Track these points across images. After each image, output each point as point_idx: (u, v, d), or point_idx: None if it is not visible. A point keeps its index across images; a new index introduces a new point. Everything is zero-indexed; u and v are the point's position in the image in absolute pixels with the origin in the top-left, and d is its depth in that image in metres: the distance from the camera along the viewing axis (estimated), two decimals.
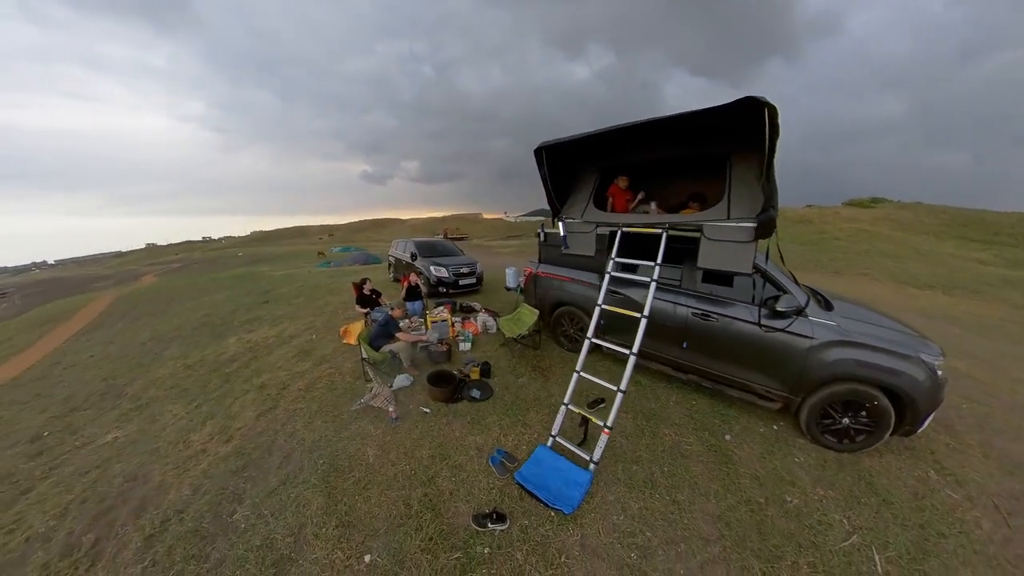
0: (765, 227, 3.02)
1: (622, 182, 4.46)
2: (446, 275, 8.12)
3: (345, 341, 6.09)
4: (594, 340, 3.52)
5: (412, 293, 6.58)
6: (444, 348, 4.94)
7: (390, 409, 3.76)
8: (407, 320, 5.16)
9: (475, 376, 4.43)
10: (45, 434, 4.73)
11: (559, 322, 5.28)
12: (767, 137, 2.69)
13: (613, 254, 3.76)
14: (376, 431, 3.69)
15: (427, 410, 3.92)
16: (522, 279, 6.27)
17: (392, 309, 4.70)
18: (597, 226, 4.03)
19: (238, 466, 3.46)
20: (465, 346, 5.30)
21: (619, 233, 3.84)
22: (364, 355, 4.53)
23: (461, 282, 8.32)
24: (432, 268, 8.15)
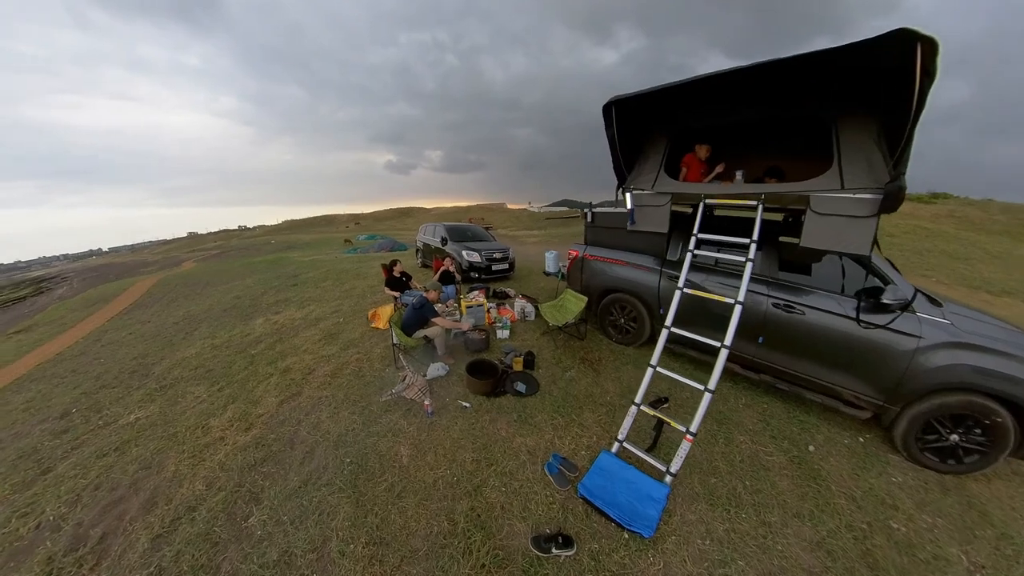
0: (892, 199, 2.38)
1: (702, 151, 3.73)
2: (479, 260, 7.61)
3: (373, 325, 5.72)
4: (675, 330, 2.89)
5: (445, 277, 6.11)
6: (482, 335, 4.43)
7: (425, 402, 3.29)
8: (441, 305, 4.70)
9: (518, 367, 3.91)
10: (73, 411, 4.60)
11: (608, 311, 4.67)
12: (916, 83, 2.04)
13: (695, 230, 3.10)
14: (410, 427, 3.23)
15: (466, 405, 3.42)
16: (564, 264, 5.67)
17: (427, 291, 4.22)
18: (673, 198, 3.36)
19: (257, 459, 3.09)
20: (503, 334, 4.77)
21: (701, 207, 3.17)
22: (396, 340, 4.09)
23: (494, 267, 7.79)
24: (464, 252, 7.66)
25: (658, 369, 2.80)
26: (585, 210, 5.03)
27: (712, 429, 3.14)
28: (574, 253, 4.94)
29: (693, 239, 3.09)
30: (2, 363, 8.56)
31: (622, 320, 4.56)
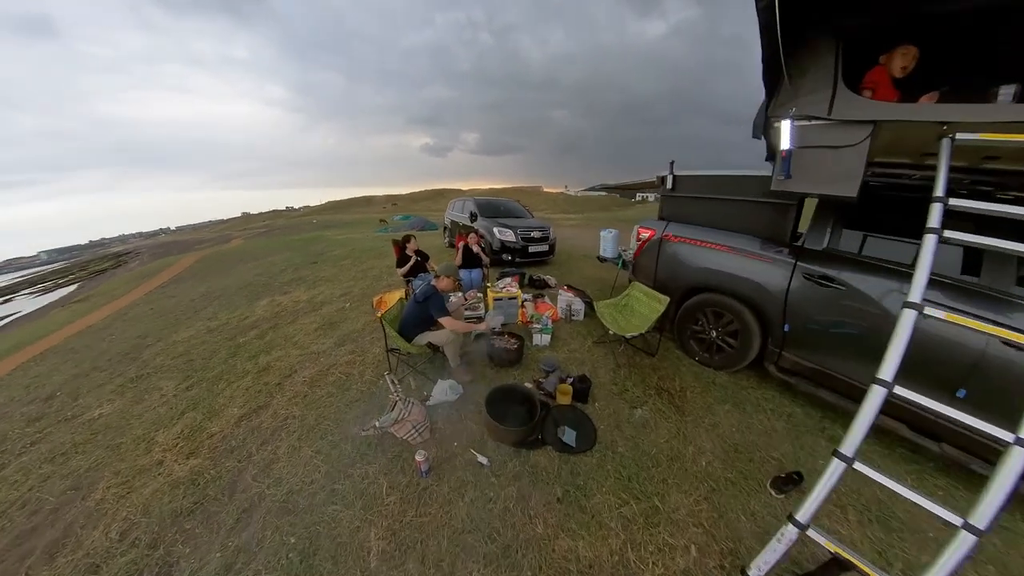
0: None
1: (902, 57, 2.05)
2: (513, 239, 6.31)
3: (379, 315, 4.66)
4: (909, 393, 1.44)
5: (469, 258, 4.88)
6: (514, 344, 3.16)
7: (418, 459, 2.09)
8: (459, 296, 3.48)
9: (564, 398, 2.61)
10: (58, 394, 4.09)
11: (692, 317, 3.24)
12: None
13: (940, 191, 1.58)
14: (391, 494, 2.07)
15: (483, 460, 2.21)
16: (625, 250, 4.23)
17: (436, 277, 2.99)
18: (877, 127, 1.81)
19: (185, 507, 2.17)
20: (542, 339, 3.48)
21: (946, 151, 1.64)
22: (391, 344, 2.94)
23: (531, 249, 6.47)
24: (496, 230, 6.38)
25: (865, 470, 1.38)
26: (663, 174, 3.54)
27: (877, 536, 1.75)
28: (647, 233, 3.49)
29: (935, 208, 1.56)
30: (47, 332, 8.80)
31: (714, 333, 3.11)
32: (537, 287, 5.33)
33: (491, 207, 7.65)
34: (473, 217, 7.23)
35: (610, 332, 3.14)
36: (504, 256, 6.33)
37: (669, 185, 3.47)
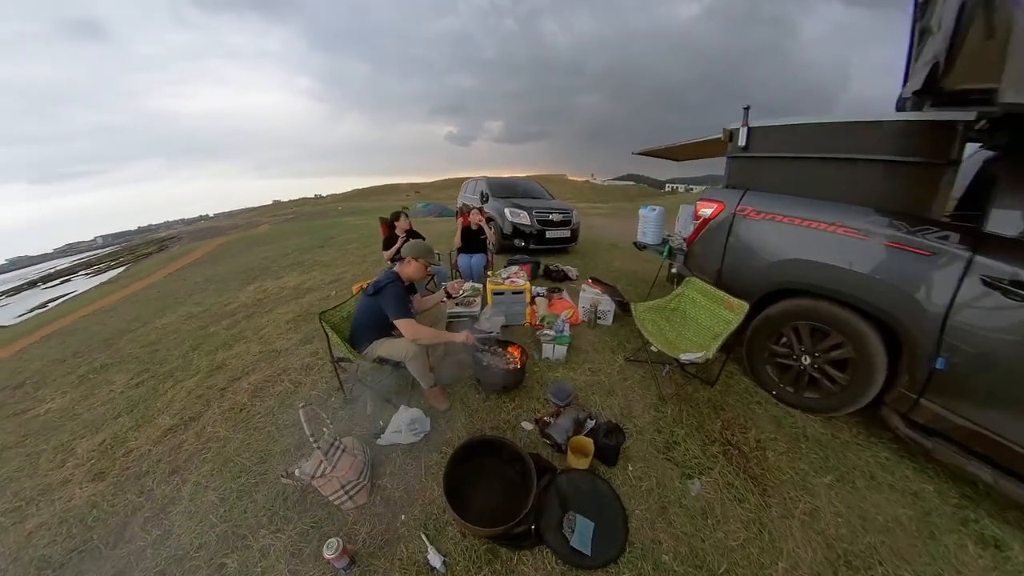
0: None
1: None
2: (526, 222, 5.37)
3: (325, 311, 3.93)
4: None
5: (471, 241, 4.00)
6: (512, 363, 2.25)
7: (328, 555, 1.25)
8: (446, 287, 2.58)
9: (578, 461, 1.68)
10: (26, 382, 3.69)
11: (772, 332, 2.20)
12: None
13: None
14: None
15: (436, 562, 1.34)
16: (670, 235, 3.22)
17: (402, 261, 2.11)
18: None
19: (56, 556, 1.61)
20: (555, 352, 2.56)
21: None
22: (338, 355, 2.13)
23: (549, 234, 5.50)
24: (508, 211, 5.45)
25: None
26: (735, 126, 2.50)
27: None
28: (711, 208, 2.46)
29: None
30: (69, 311, 8.89)
31: (808, 359, 2.08)
32: (554, 279, 4.39)
33: (505, 187, 6.71)
34: (484, 198, 6.33)
35: (652, 348, 2.18)
36: (516, 242, 5.41)
37: (742, 141, 2.43)
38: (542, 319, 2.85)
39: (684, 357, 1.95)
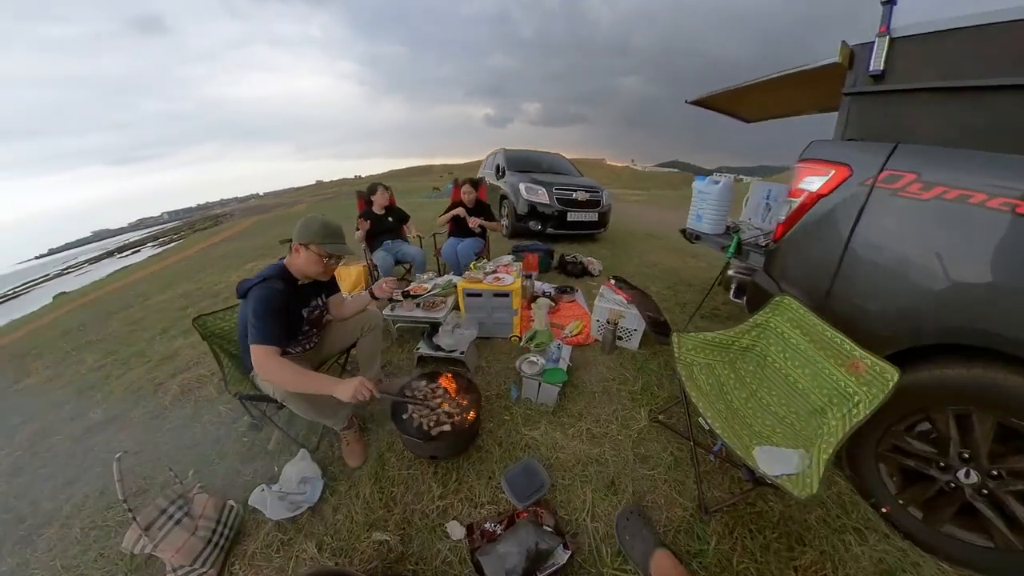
0: None
1: None
2: (544, 200, 4.42)
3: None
4: None
5: (462, 223, 3.13)
6: (444, 423, 1.39)
7: None
8: (371, 288, 1.75)
9: None
10: (30, 352, 3.59)
11: (905, 407, 1.13)
12: None
13: None
14: None
15: None
16: (734, 223, 2.20)
17: (295, 249, 1.32)
18: None
19: None
20: (540, 393, 1.67)
21: None
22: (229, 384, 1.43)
23: (571, 216, 4.51)
24: (522, 188, 4.51)
25: None
26: (858, 43, 1.41)
27: None
28: (825, 174, 1.42)
29: None
30: (113, 281, 9.16)
31: (977, 477, 1.04)
32: (569, 274, 3.46)
33: (525, 160, 5.72)
34: (500, 172, 5.41)
35: (702, 422, 1.25)
36: (531, 224, 4.47)
37: (877, 64, 1.37)
38: (531, 337, 1.94)
39: (764, 465, 1.00)
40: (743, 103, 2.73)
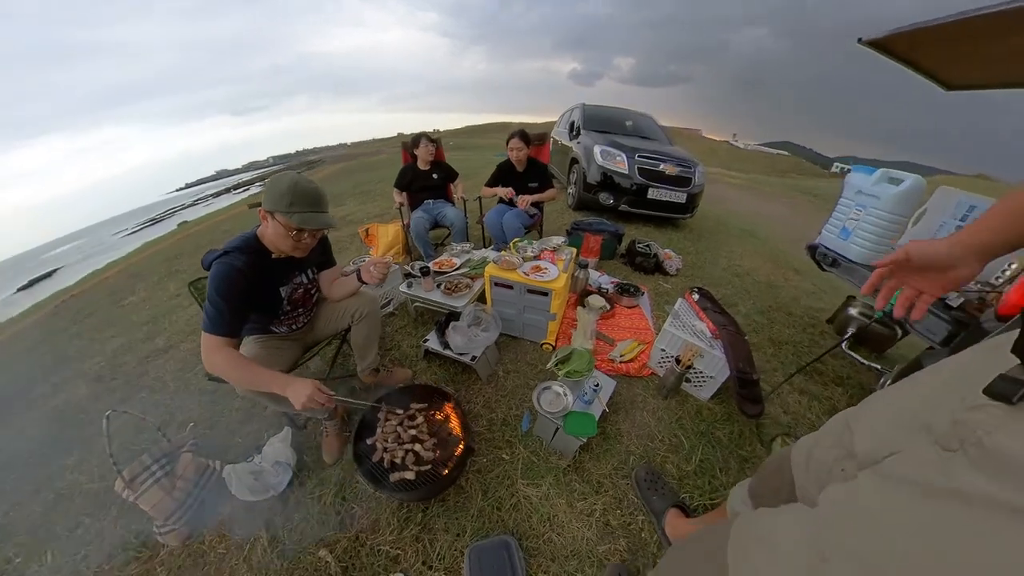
0: None
1: None
2: (622, 169, 3.65)
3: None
4: None
5: (511, 174, 2.59)
6: (410, 469, 1.06)
7: None
8: (359, 268, 1.31)
9: None
10: (137, 275, 4.06)
11: None
12: None
13: None
14: None
15: None
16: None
17: (261, 217, 1.00)
18: None
19: None
20: (556, 438, 1.23)
21: None
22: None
23: (653, 193, 3.69)
24: (598, 152, 3.77)
25: None
26: None
27: None
28: None
29: None
30: (220, 215, 10.24)
31: None
32: (638, 267, 2.80)
33: (607, 119, 4.84)
34: (574, 131, 4.65)
35: None
36: (602, 197, 3.76)
37: None
38: (563, 359, 1.42)
39: None
40: (948, 52, 1.67)
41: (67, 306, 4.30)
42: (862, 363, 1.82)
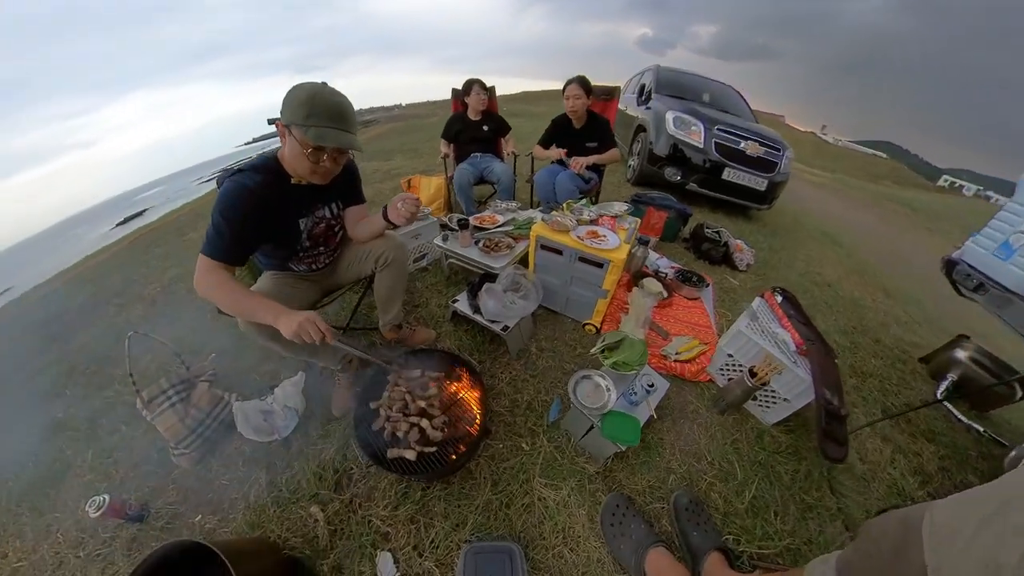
0: None
1: None
2: (697, 142, 3.20)
3: None
4: None
5: (570, 146, 2.30)
6: (415, 445, 0.92)
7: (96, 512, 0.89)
8: (386, 208, 1.10)
9: None
10: (202, 214, 4.20)
11: None
12: None
13: None
14: None
15: None
16: None
17: (279, 132, 0.85)
18: None
19: None
20: (586, 436, 1.05)
21: None
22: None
23: (728, 173, 3.22)
24: (670, 118, 3.31)
25: None
26: None
27: None
28: None
29: None
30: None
31: None
32: (703, 255, 2.45)
33: (683, 85, 4.25)
34: (643, 96, 4.15)
35: None
36: (669, 172, 3.34)
37: None
38: (612, 346, 1.19)
39: None
40: None
41: (143, 239, 4.65)
42: (959, 420, 1.46)
